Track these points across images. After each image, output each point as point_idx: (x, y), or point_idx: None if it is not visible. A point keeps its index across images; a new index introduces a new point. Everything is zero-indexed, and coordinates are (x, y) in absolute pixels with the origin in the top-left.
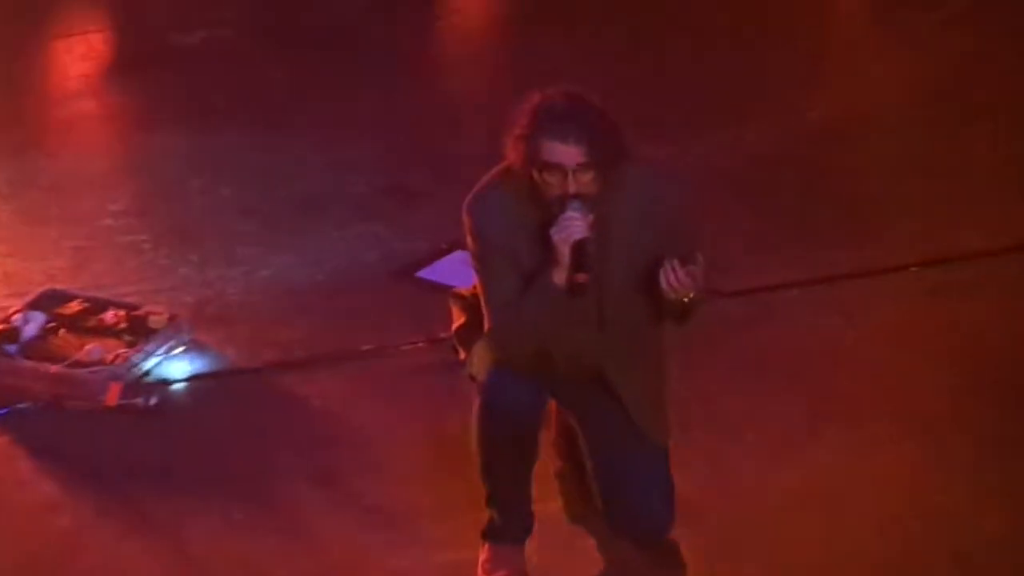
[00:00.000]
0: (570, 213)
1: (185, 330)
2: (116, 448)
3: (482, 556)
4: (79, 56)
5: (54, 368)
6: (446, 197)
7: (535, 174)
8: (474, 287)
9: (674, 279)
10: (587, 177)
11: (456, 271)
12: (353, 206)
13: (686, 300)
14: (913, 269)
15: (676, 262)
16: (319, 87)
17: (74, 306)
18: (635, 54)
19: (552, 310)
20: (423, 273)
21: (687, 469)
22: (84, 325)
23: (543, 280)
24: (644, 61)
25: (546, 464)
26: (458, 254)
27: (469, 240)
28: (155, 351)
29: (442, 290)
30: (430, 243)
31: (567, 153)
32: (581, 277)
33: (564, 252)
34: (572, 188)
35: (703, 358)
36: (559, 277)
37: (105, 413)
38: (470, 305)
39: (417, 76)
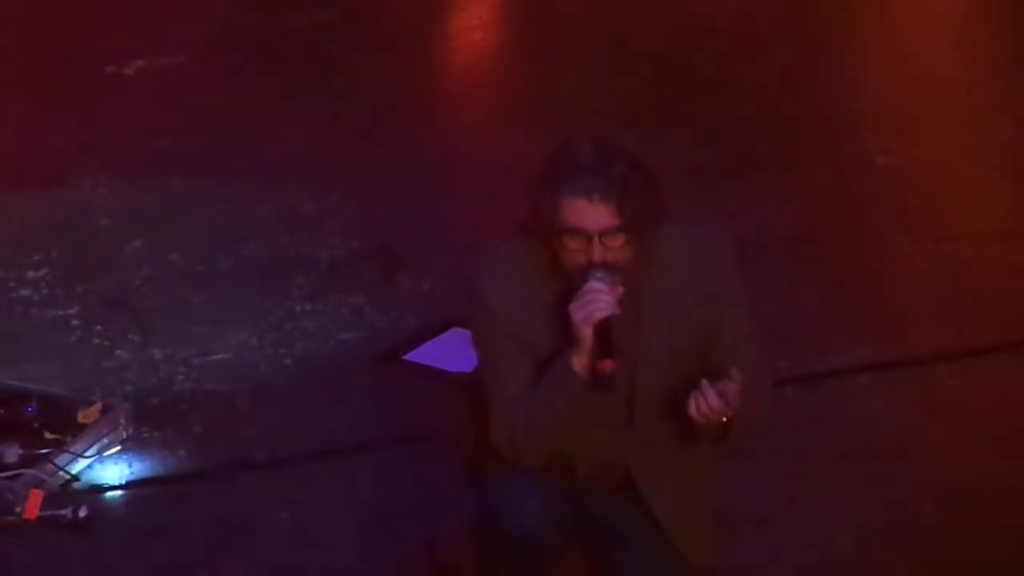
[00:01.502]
0: (593, 284)
1: (123, 425)
2: (35, 572)
3: None
4: None
5: None
6: (438, 263)
7: (554, 238)
8: (476, 374)
9: (704, 406)
10: (616, 242)
11: (452, 353)
12: (324, 273)
13: (723, 422)
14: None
15: (706, 384)
16: (281, 127)
17: None
18: (661, 84)
19: (572, 404)
20: (412, 356)
21: None
22: None
23: (561, 367)
24: (678, 95)
25: None
26: (455, 333)
27: (472, 316)
28: (85, 451)
29: (436, 376)
30: (420, 319)
31: (593, 213)
32: (607, 365)
33: (587, 333)
34: (598, 256)
35: (756, 458)
36: (580, 363)
37: (23, 528)
38: (472, 395)
39: (402, 116)
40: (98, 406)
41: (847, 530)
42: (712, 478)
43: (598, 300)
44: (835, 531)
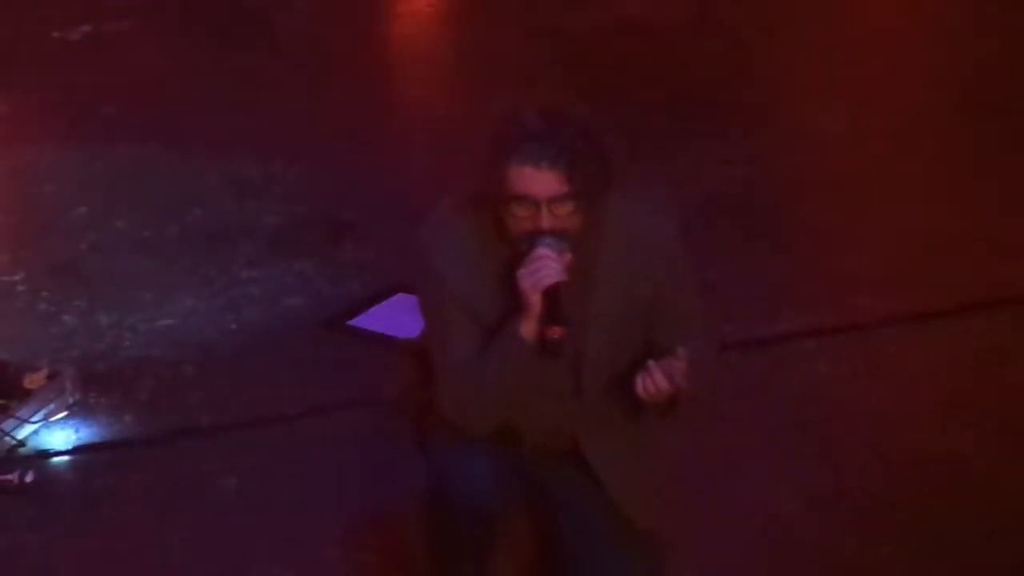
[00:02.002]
0: (541, 251)
1: (69, 391)
2: None
3: None
4: None
5: None
6: (384, 229)
7: (502, 206)
8: (423, 340)
9: (651, 385)
10: (565, 210)
11: (397, 319)
12: (270, 240)
13: (668, 399)
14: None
15: (653, 364)
16: (227, 92)
17: None
18: (606, 51)
19: (519, 371)
20: (358, 321)
21: (685, 559)
22: None
23: (509, 334)
24: (622, 59)
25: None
26: (399, 298)
27: (419, 283)
28: (31, 417)
29: (380, 342)
30: (365, 285)
31: (541, 181)
32: (555, 331)
33: (535, 300)
34: (546, 223)
35: (701, 424)
36: (528, 330)
37: None
38: (418, 361)
39: (349, 79)
40: (44, 372)
41: (793, 496)
42: (659, 445)
43: (546, 267)
44: (781, 496)
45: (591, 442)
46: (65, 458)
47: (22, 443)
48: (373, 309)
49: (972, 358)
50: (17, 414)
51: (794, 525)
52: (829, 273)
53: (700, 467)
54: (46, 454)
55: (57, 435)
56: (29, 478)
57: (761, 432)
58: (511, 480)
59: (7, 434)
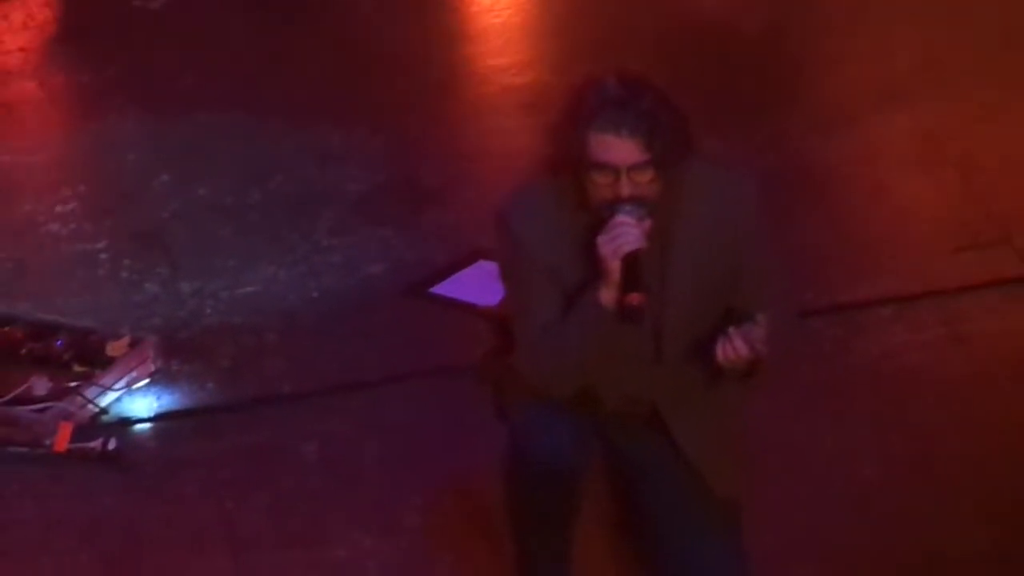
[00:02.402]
0: (621, 218)
1: (151, 359)
2: (67, 503)
3: None
4: (17, 26)
5: None
6: (465, 196)
7: (582, 173)
8: (503, 306)
9: (731, 351)
10: (645, 177)
11: (479, 286)
12: (351, 206)
13: (748, 365)
14: None
15: (734, 330)
16: (306, 61)
17: (14, 331)
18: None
19: (599, 337)
20: (439, 289)
21: (764, 525)
22: (26, 354)
23: (589, 300)
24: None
25: (589, 517)
26: (481, 265)
27: (501, 250)
28: (114, 384)
29: (462, 309)
30: (447, 252)
31: (621, 149)
32: (635, 298)
33: (614, 267)
34: (626, 191)
35: (780, 390)
36: (608, 297)
37: (53, 460)
38: (499, 328)
39: (426, 50)
40: (127, 339)
41: (871, 462)
42: (738, 411)
43: (626, 234)
44: (859, 463)
45: (671, 409)
46: (147, 425)
47: (105, 410)
48: (454, 276)
49: None
50: (100, 381)
51: (872, 491)
52: (907, 240)
53: (778, 434)
54: (128, 421)
55: (139, 402)
56: (112, 445)
57: (839, 398)
58: (590, 444)
59: (90, 401)
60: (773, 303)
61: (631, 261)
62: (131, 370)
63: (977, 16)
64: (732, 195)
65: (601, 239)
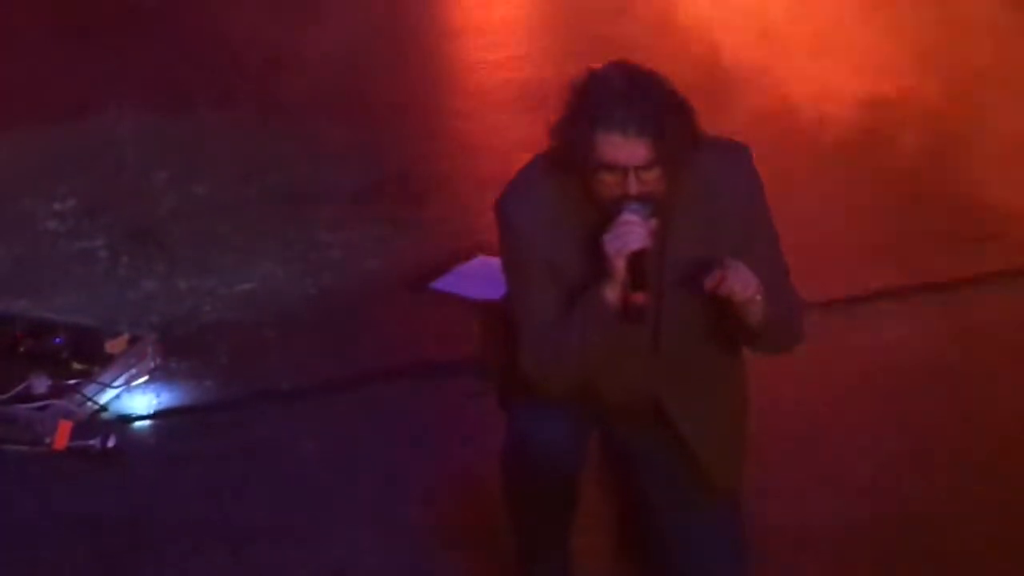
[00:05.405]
0: (627, 216)
1: (150, 356)
2: (66, 500)
3: None
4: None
5: None
6: (463, 191)
7: (588, 171)
8: (505, 301)
9: (720, 283)
10: (652, 175)
11: (478, 281)
12: (349, 202)
13: (743, 305)
14: None
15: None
16: (303, 57)
17: (12, 329)
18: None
19: (601, 335)
20: (438, 284)
21: (763, 518)
22: (25, 352)
23: (593, 298)
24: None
25: (588, 510)
26: (480, 260)
27: (504, 244)
28: (113, 382)
29: (461, 304)
30: (445, 247)
31: (628, 149)
32: (639, 297)
33: (619, 265)
34: (633, 189)
35: (780, 383)
36: (612, 295)
37: (53, 458)
38: (499, 323)
39: (426, 40)
40: (125, 337)
41: (870, 455)
42: (740, 404)
43: (631, 232)
44: (858, 456)
45: (673, 399)
46: (146, 422)
47: (104, 408)
48: (452, 271)
49: None
50: (99, 379)
51: (870, 484)
52: (905, 233)
53: (778, 427)
54: (127, 419)
55: (138, 400)
56: (111, 443)
57: (838, 391)
58: (592, 438)
59: (89, 399)
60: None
61: (636, 260)
62: (130, 367)
63: None
64: (729, 172)
65: (606, 237)
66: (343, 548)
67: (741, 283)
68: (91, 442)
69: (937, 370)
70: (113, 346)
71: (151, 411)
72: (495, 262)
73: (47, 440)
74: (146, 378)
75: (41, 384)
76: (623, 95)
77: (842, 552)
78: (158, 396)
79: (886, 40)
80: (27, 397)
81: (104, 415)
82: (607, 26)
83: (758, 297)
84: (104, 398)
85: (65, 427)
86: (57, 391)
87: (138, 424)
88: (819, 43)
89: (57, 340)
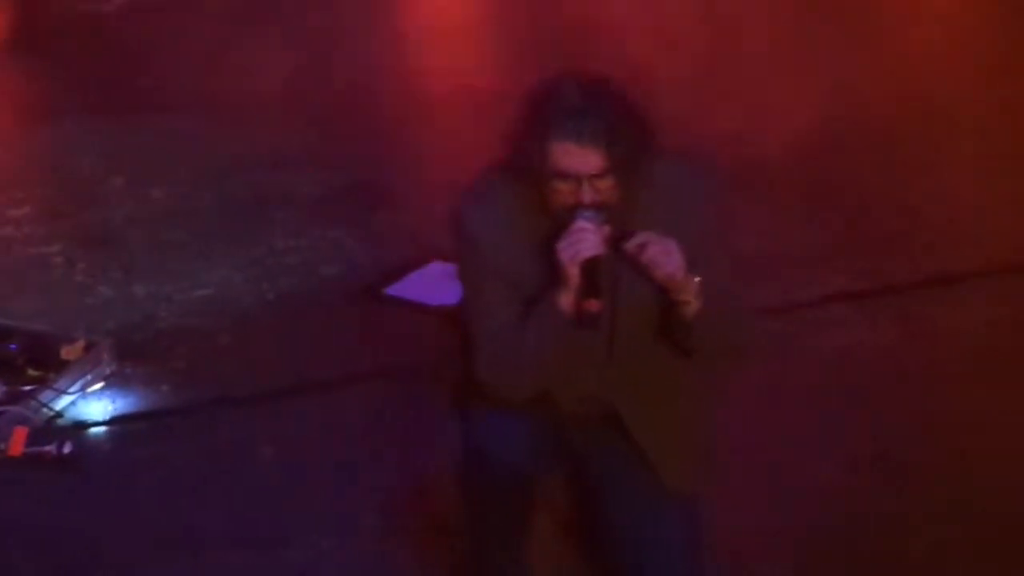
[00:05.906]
0: (581, 224)
1: (106, 361)
2: (22, 507)
3: None
4: None
5: None
6: (418, 197)
7: (542, 180)
8: (460, 307)
9: (641, 250)
10: (605, 184)
11: (433, 287)
12: (306, 209)
13: (674, 292)
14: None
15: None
16: (261, 64)
17: None
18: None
19: (556, 342)
20: (393, 290)
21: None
22: None
23: (547, 305)
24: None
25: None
26: (435, 266)
27: (459, 251)
28: (68, 388)
29: (416, 310)
30: (401, 253)
31: (582, 157)
32: (593, 304)
33: (573, 272)
34: (587, 197)
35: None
36: (566, 302)
37: (8, 464)
38: (455, 329)
39: (384, 48)
40: (81, 343)
41: (831, 458)
42: (697, 410)
43: (585, 239)
44: (819, 460)
45: (628, 406)
46: (102, 429)
47: (60, 414)
48: (409, 277)
49: (1010, 318)
50: (54, 385)
51: (832, 488)
52: (864, 237)
53: (738, 431)
54: (83, 425)
55: (94, 406)
56: (67, 449)
57: (798, 396)
58: (547, 446)
59: (45, 405)
60: (727, 314)
61: (590, 267)
62: (86, 373)
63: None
64: (691, 190)
65: (560, 245)
66: (302, 552)
67: (663, 254)
68: (47, 448)
69: (898, 374)
70: (69, 352)
71: (107, 417)
72: (450, 267)
73: (2, 446)
74: (102, 384)
75: None
76: (577, 104)
77: (808, 555)
78: (114, 402)
79: (838, 54)
80: None
81: (60, 421)
82: (564, 34)
83: (679, 276)
84: (60, 404)
85: (20, 433)
86: (12, 397)
87: (94, 430)
88: (772, 57)
89: (12, 346)
